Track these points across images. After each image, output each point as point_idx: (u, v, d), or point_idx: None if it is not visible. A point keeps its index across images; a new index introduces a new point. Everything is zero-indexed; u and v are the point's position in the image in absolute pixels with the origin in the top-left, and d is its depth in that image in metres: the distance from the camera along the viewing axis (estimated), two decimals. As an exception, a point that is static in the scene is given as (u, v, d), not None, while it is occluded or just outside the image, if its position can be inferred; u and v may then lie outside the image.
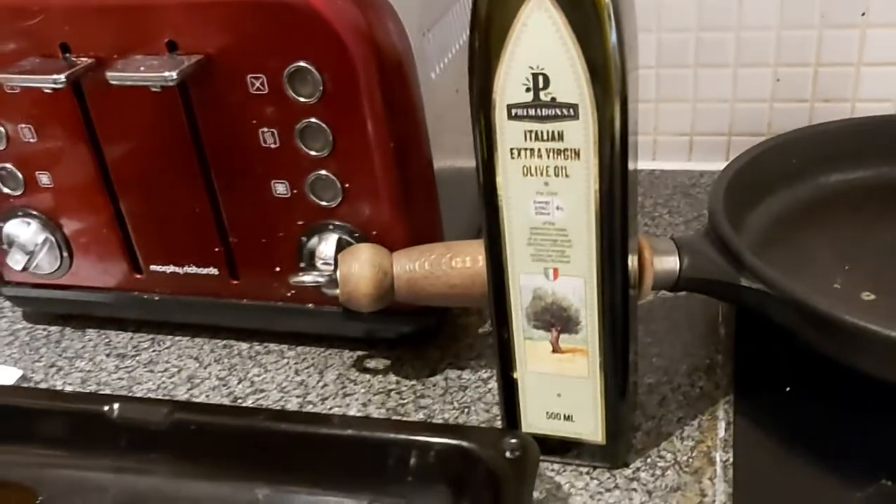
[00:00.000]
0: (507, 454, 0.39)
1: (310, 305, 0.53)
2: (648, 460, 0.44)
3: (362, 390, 0.51)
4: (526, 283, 0.40)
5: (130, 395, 0.53)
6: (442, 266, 0.46)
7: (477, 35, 0.35)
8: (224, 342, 0.57)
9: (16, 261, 0.56)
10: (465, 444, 0.41)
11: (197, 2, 0.46)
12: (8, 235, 0.56)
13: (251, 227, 0.51)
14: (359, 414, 0.49)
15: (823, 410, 0.45)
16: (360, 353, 0.54)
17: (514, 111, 0.36)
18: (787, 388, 0.47)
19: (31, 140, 0.53)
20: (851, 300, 0.50)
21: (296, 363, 0.54)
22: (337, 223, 0.49)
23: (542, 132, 0.36)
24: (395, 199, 0.48)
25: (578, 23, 0.33)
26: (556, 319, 0.40)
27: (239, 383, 0.53)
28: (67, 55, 0.49)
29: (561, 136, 0.35)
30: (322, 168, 0.48)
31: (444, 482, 0.41)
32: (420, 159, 0.49)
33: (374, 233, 0.49)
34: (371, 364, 0.53)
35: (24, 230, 0.55)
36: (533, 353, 0.41)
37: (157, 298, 0.56)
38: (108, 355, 0.57)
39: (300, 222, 0.50)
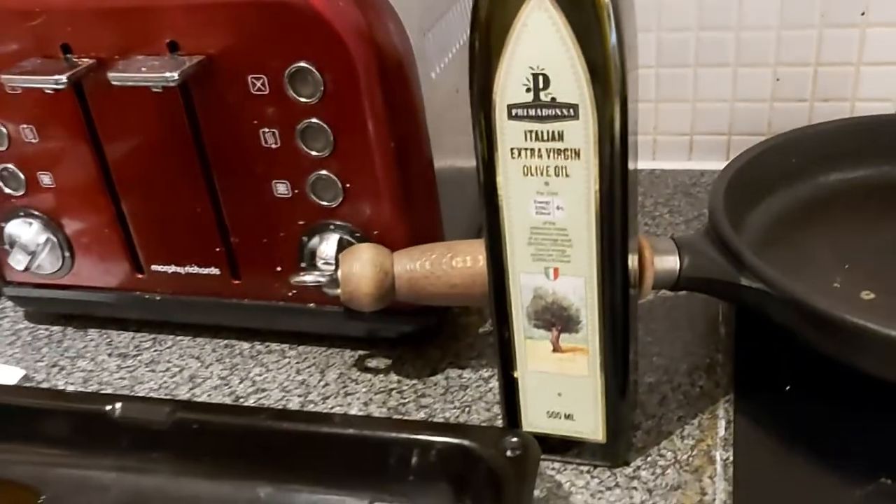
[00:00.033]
0: (508, 453, 0.39)
1: (311, 305, 0.53)
2: (649, 459, 0.44)
3: (363, 389, 0.51)
4: (526, 282, 0.40)
5: (132, 394, 0.53)
6: (443, 266, 0.47)
7: (477, 35, 0.35)
8: (225, 342, 0.57)
9: (18, 261, 0.56)
10: (466, 442, 0.41)
11: (198, 3, 0.46)
12: (10, 236, 0.56)
13: (252, 227, 0.52)
14: (360, 413, 0.50)
15: (823, 409, 0.46)
16: (361, 352, 0.54)
17: (514, 111, 0.36)
18: (787, 387, 0.47)
19: (33, 140, 0.53)
20: (851, 299, 0.50)
21: (297, 363, 0.54)
22: (338, 223, 0.50)
23: (542, 132, 0.36)
24: (396, 198, 0.48)
25: (578, 23, 0.33)
26: (556, 319, 0.40)
27: (240, 383, 0.53)
28: (69, 56, 0.49)
29: (561, 136, 0.36)
30: (323, 168, 0.48)
31: (446, 481, 0.41)
32: (420, 159, 0.49)
33: (375, 232, 0.49)
34: (372, 363, 0.54)
35: (26, 230, 0.56)
36: (533, 352, 0.41)
37: (158, 298, 0.56)
38: (109, 355, 0.57)
39: (301, 222, 0.50)
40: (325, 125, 0.47)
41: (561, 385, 0.42)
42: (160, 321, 0.59)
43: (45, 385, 0.55)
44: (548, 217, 0.38)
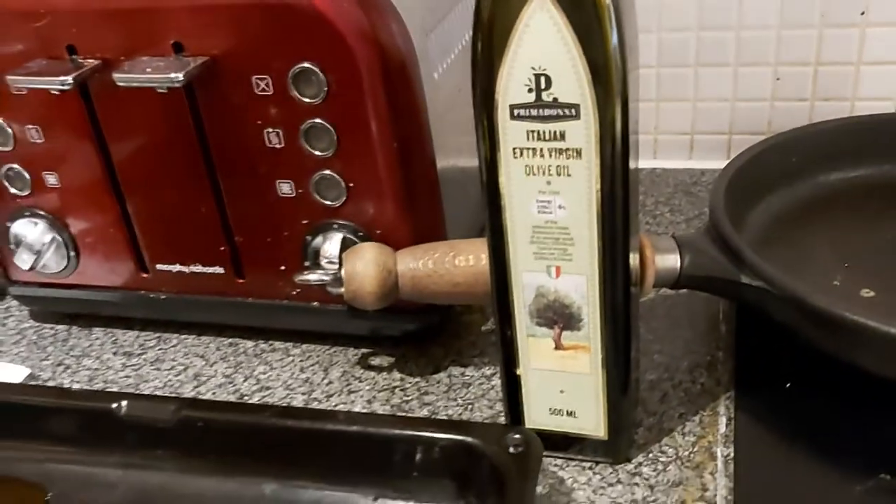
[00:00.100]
0: (511, 450, 0.40)
1: (315, 304, 0.53)
2: (650, 455, 0.44)
3: (367, 387, 0.52)
4: (529, 280, 0.40)
5: (138, 392, 0.53)
6: (445, 264, 0.47)
7: (480, 36, 0.35)
8: (230, 340, 0.57)
9: (23, 260, 0.57)
10: (469, 439, 0.41)
11: (203, 4, 0.46)
12: (15, 235, 0.56)
13: (256, 227, 0.52)
14: (364, 411, 0.50)
15: (823, 406, 0.46)
16: (364, 350, 0.55)
17: (516, 111, 0.36)
18: (788, 385, 0.47)
19: (39, 141, 0.53)
20: (851, 297, 0.50)
21: (301, 361, 0.55)
22: (341, 222, 0.50)
23: (544, 132, 0.36)
24: (399, 198, 0.49)
25: (580, 24, 0.34)
26: (558, 316, 0.41)
27: (245, 381, 0.53)
28: (74, 57, 0.49)
29: (563, 136, 0.36)
30: (326, 168, 0.49)
31: (449, 477, 0.41)
32: (423, 159, 0.50)
33: (379, 232, 0.50)
34: (375, 361, 0.54)
35: (32, 230, 0.56)
36: (536, 349, 0.42)
37: (163, 297, 0.57)
38: (114, 353, 0.58)
39: (305, 221, 0.51)
40: (328, 125, 0.47)
41: (563, 382, 0.42)
42: (165, 320, 0.59)
43: (50, 383, 0.55)
44: (550, 216, 0.38)
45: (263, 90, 0.47)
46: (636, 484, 0.43)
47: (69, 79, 0.47)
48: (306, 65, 0.46)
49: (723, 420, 0.46)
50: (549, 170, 0.37)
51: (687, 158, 0.75)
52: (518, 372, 0.43)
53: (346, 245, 0.50)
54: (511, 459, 0.39)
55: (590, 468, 0.44)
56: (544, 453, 0.40)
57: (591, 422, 0.43)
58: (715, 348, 0.52)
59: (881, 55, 0.67)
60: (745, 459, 0.43)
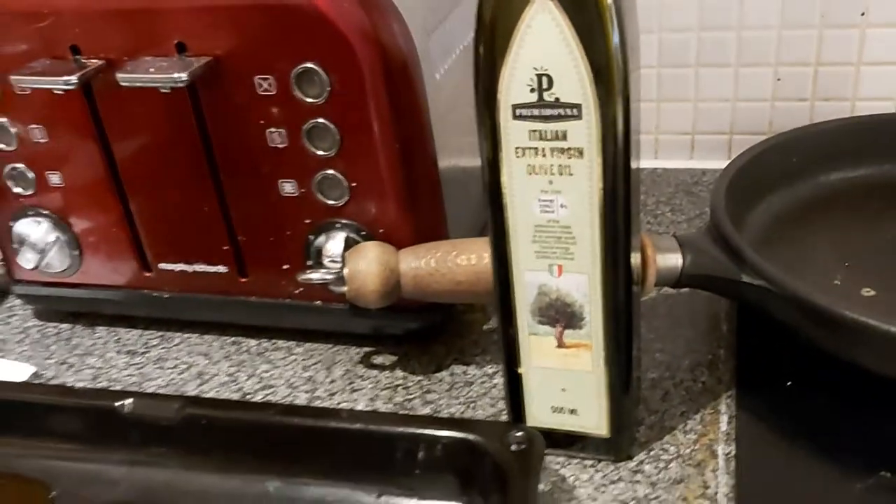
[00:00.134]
0: (513, 447, 0.40)
1: (317, 303, 0.53)
2: (652, 453, 0.45)
3: (370, 386, 0.52)
4: (531, 279, 0.40)
5: (142, 391, 0.54)
6: (447, 263, 0.47)
7: (482, 37, 0.36)
8: (233, 339, 0.58)
9: (27, 259, 0.57)
10: (471, 437, 0.41)
11: (205, 5, 0.46)
12: (19, 235, 0.57)
13: (259, 226, 0.52)
14: (366, 409, 0.50)
15: (824, 404, 0.46)
16: (367, 349, 0.55)
17: (518, 111, 0.36)
18: (789, 383, 0.47)
19: (42, 140, 0.53)
20: (851, 296, 0.50)
21: (304, 359, 0.55)
22: (344, 222, 0.50)
23: (546, 132, 0.36)
24: (401, 197, 0.49)
25: (581, 24, 0.34)
26: (560, 315, 0.41)
27: (248, 379, 0.54)
28: (78, 57, 0.50)
29: (564, 136, 0.36)
30: (329, 167, 0.49)
31: (452, 474, 0.42)
32: (425, 159, 0.50)
33: (381, 231, 0.50)
34: (378, 360, 0.54)
35: (35, 229, 0.56)
36: (538, 348, 0.42)
37: (166, 296, 0.57)
38: (118, 352, 0.58)
39: (307, 221, 0.51)
40: (331, 125, 0.47)
41: (565, 380, 0.42)
42: (168, 319, 0.59)
43: (54, 382, 0.56)
44: (552, 215, 0.38)
45: (266, 90, 0.47)
46: (638, 481, 0.43)
47: (73, 78, 0.48)
48: (309, 65, 0.46)
49: (724, 418, 0.46)
50: (551, 169, 0.37)
51: (688, 158, 0.75)
52: (520, 370, 0.43)
53: (348, 244, 0.50)
54: (513, 457, 0.40)
55: (592, 466, 0.44)
56: (546, 451, 0.40)
57: (593, 420, 0.43)
58: (716, 347, 0.52)
59: (881, 56, 0.67)
60: (747, 457, 0.43)
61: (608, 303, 0.40)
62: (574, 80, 0.35)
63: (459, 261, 0.47)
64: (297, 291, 0.53)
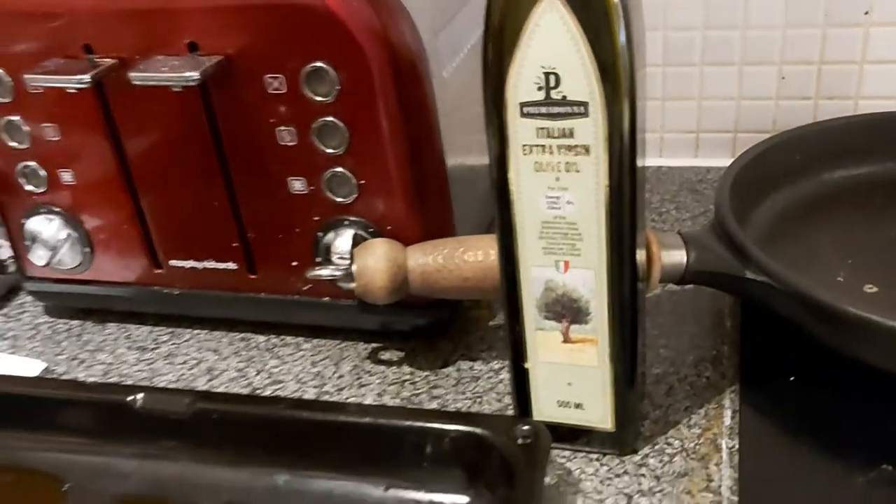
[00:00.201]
0: (520, 441, 0.40)
1: (326, 299, 0.54)
2: (656, 447, 0.45)
3: (377, 381, 0.53)
4: (537, 275, 0.41)
5: (153, 386, 0.54)
6: (455, 260, 0.48)
7: (490, 36, 0.36)
8: (242, 335, 0.58)
9: (38, 256, 0.57)
10: (478, 431, 0.42)
11: (217, 5, 0.47)
12: (31, 232, 0.57)
13: (269, 223, 0.53)
14: (374, 404, 0.51)
15: (827, 399, 0.47)
16: (374, 345, 0.56)
17: (526, 109, 0.37)
18: (792, 378, 0.48)
19: (54, 138, 0.54)
20: (854, 293, 0.51)
21: (312, 355, 0.56)
22: (352, 219, 0.51)
23: (553, 129, 0.37)
24: (409, 195, 0.50)
25: (589, 23, 0.34)
26: (566, 310, 0.41)
27: (257, 374, 0.54)
28: (90, 56, 0.50)
29: (571, 133, 0.37)
30: (338, 165, 0.49)
31: (459, 468, 0.42)
32: (433, 156, 0.50)
33: (389, 228, 0.50)
34: (386, 356, 0.55)
35: (47, 227, 0.57)
36: (544, 343, 0.43)
37: (176, 293, 0.57)
38: (128, 348, 0.59)
39: (316, 218, 0.51)
40: (340, 123, 0.48)
41: (571, 375, 0.43)
42: (178, 315, 0.60)
43: (65, 377, 0.56)
44: (558, 211, 0.39)
45: (276, 89, 0.48)
46: (642, 475, 0.44)
47: (87, 77, 0.48)
48: (318, 64, 0.46)
49: (728, 413, 0.47)
50: (558, 166, 0.38)
51: (692, 156, 0.75)
52: (526, 365, 0.44)
53: (357, 241, 0.50)
54: (520, 450, 0.40)
55: (597, 459, 0.45)
56: (552, 445, 0.41)
57: (599, 414, 0.44)
58: (720, 343, 0.52)
59: (884, 54, 0.67)
60: (750, 451, 0.44)
61: (614, 298, 0.40)
62: (581, 79, 0.35)
63: (467, 257, 0.48)
64: (305, 288, 0.54)
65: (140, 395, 0.47)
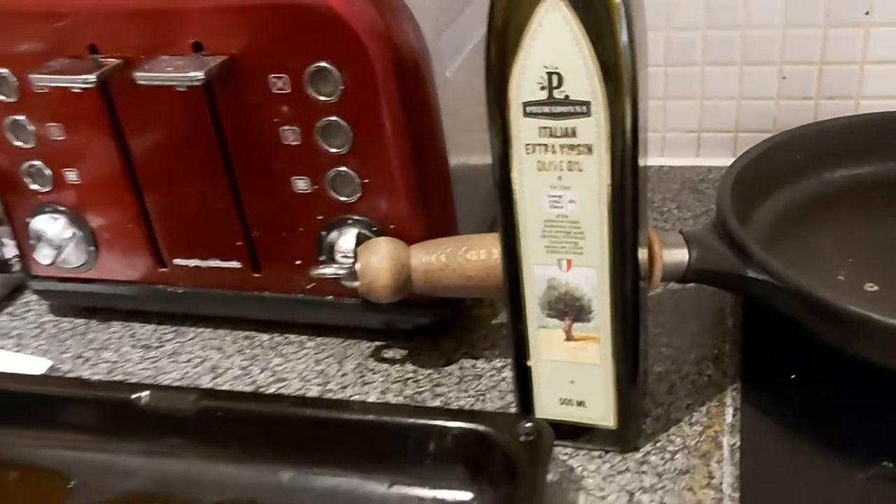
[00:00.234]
0: (522, 438, 0.41)
1: (330, 297, 0.54)
2: (658, 444, 0.45)
3: (380, 379, 0.53)
4: (540, 273, 0.41)
5: (158, 384, 0.55)
6: (458, 259, 0.48)
7: (493, 36, 0.36)
8: (246, 333, 0.59)
9: (44, 255, 0.58)
10: (481, 428, 0.42)
11: (221, 5, 0.47)
12: (36, 231, 0.58)
13: (272, 222, 0.53)
14: (377, 401, 0.51)
15: (827, 397, 0.47)
16: (378, 343, 0.56)
17: (528, 109, 0.37)
18: (793, 376, 0.48)
19: (60, 138, 0.54)
20: (855, 291, 0.51)
21: (316, 353, 0.56)
22: (356, 218, 0.51)
23: (555, 129, 0.37)
24: (412, 194, 0.50)
25: (591, 23, 0.35)
26: (569, 309, 0.42)
27: (261, 372, 0.55)
28: (95, 56, 0.51)
29: (574, 133, 0.37)
30: (342, 164, 0.50)
31: (462, 465, 0.42)
32: (436, 156, 0.51)
33: (392, 227, 0.51)
34: (389, 354, 0.55)
35: (52, 225, 0.57)
36: (547, 341, 0.43)
37: (180, 291, 0.58)
38: (133, 347, 0.59)
39: (320, 217, 0.52)
40: (343, 123, 0.48)
41: (573, 373, 0.43)
42: (182, 313, 0.60)
43: (70, 376, 0.56)
44: (561, 210, 0.39)
45: (280, 88, 0.48)
46: (644, 472, 0.44)
47: (92, 77, 0.49)
48: (322, 64, 0.47)
49: (729, 410, 0.47)
50: (561, 165, 0.38)
51: (694, 156, 0.76)
52: (529, 363, 0.44)
53: (360, 240, 0.51)
54: (522, 448, 0.40)
55: (599, 457, 0.45)
56: (555, 442, 0.41)
57: (601, 411, 0.44)
58: (721, 341, 0.53)
59: (885, 54, 0.67)
60: (751, 448, 0.44)
61: (616, 297, 0.40)
62: (583, 78, 0.36)
63: (469, 256, 0.48)
64: (309, 287, 0.54)
65: (145, 393, 0.47)
